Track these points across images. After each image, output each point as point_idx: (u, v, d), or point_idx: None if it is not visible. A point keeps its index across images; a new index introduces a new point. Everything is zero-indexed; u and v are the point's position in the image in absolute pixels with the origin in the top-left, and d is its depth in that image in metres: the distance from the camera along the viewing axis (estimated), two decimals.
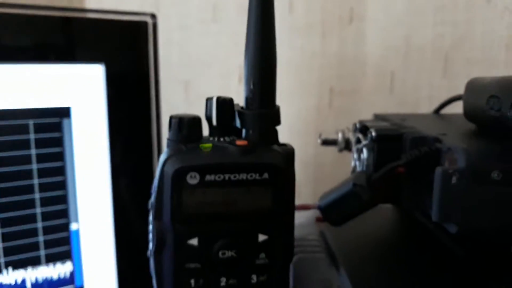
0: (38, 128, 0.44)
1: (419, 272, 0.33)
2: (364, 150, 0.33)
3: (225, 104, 0.27)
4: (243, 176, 0.25)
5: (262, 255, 0.27)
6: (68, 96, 0.44)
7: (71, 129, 0.45)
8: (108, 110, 0.46)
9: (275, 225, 0.27)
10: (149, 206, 0.26)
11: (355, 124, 0.37)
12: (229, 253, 0.26)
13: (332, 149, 0.71)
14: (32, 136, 0.44)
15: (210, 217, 0.26)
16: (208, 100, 0.27)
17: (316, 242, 0.36)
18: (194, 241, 0.26)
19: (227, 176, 0.25)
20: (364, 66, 0.68)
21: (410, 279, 0.33)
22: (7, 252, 0.44)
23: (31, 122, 0.43)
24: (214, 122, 0.27)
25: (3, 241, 0.43)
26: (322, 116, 0.68)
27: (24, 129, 0.43)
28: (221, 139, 0.27)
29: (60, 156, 0.45)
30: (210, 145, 0.26)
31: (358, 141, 0.36)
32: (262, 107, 0.27)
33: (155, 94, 0.50)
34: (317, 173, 0.70)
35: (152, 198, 0.26)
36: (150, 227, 0.26)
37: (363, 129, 0.35)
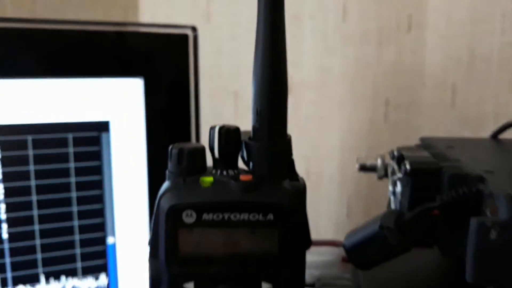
0: (77, 142, 0.44)
1: None
2: (398, 184, 0.29)
3: (229, 135, 0.24)
4: (245, 216, 0.23)
5: None
6: (107, 110, 0.44)
7: (109, 143, 0.45)
8: (146, 124, 0.45)
9: (281, 273, 0.24)
10: (148, 242, 0.24)
11: (392, 151, 0.33)
12: None
13: None
14: (71, 150, 0.44)
15: (208, 260, 0.24)
16: (211, 130, 0.25)
17: (346, 282, 0.33)
18: (190, 285, 0.24)
19: (226, 216, 0.23)
20: (423, 77, 0.62)
21: None
22: (45, 262, 0.44)
23: (70, 136, 0.44)
24: (217, 154, 0.24)
25: (42, 251, 0.44)
26: (377, 130, 0.64)
27: (63, 143, 0.44)
28: (225, 172, 0.24)
29: (98, 170, 0.45)
30: (210, 179, 0.23)
31: (394, 172, 0.32)
32: (270, 138, 0.24)
33: (195, 107, 0.49)
34: (370, 190, 0.66)
35: (150, 235, 0.24)
36: (148, 265, 0.24)
37: (400, 158, 0.31)
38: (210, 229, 0.23)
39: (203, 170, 0.25)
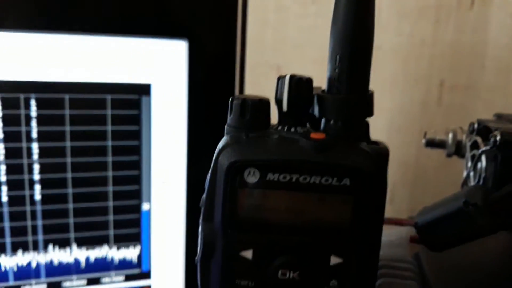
0: (116, 104, 0.42)
1: None
2: (483, 158, 0.26)
3: (300, 84, 0.21)
4: (316, 179, 0.20)
5: (334, 282, 0.21)
6: (149, 72, 0.42)
7: (150, 107, 0.43)
8: (188, 89, 0.43)
9: (354, 247, 0.20)
10: (200, 203, 0.22)
11: (472, 124, 0.29)
12: (291, 275, 0.20)
13: (438, 152, 0.63)
14: (109, 112, 0.42)
15: (270, 226, 0.20)
16: (280, 79, 0.21)
17: (408, 265, 0.29)
18: (248, 254, 0.21)
19: (294, 177, 0.20)
20: (483, 58, 0.58)
21: None
22: (77, 228, 0.43)
23: (109, 97, 0.42)
24: (285, 107, 0.21)
25: (74, 216, 0.43)
26: (429, 113, 0.60)
27: (102, 104, 0.42)
28: (293, 129, 0.21)
29: (136, 135, 0.43)
30: (277, 135, 0.20)
31: (475, 145, 0.28)
32: (349, 92, 0.20)
33: (240, 76, 0.46)
34: (418, 177, 0.62)
35: (204, 195, 0.21)
36: (200, 228, 0.22)
37: (484, 130, 0.27)
38: (274, 192, 0.20)
39: (268, 126, 0.21)
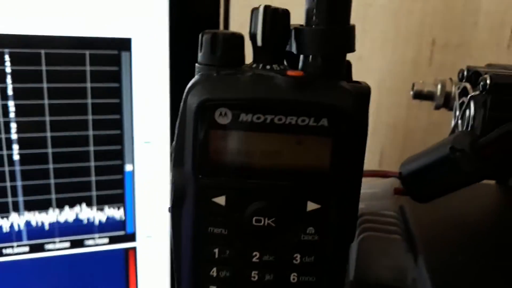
0: (95, 60, 0.40)
1: None
2: (472, 104, 0.25)
3: (276, 16, 0.19)
4: (292, 119, 0.18)
5: (311, 229, 0.20)
6: (129, 26, 0.40)
7: (130, 63, 0.41)
8: (170, 42, 0.41)
9: (333, 192, 0.19)
10: (170, 149, 0.20)
11: (462, 71, 0.28)
12: (265, 221, 0.19)
13: (427, 113, 0.61)
14: (87, 68, 0.40)
15: (244, 170, 0.19)
16: (254, 11, 0.20)
17: (391, 219, 0.28)
18: (221, 200, 0.19)
19: (269, 118, 0.18)
20: (476, 14, 0.56)
21: (508, 280, 0.24)
22: (58, 189, 0.42)
23: (87, 52, 0.40)
24: (259, 41, 0.19)
25: (55, 177, 0.41)
26: (420, 72, 0.58)
27: (80, 60, 0.40)
28: (268, 66, 0.20)
29: (117, 92, 0.41)
30: (251, 72, 0.19)
31: (464, 92, 0.27)
32: (329, 24, 0.19)
33: (224, 23, 0.44)
34: (406, 139, 0.61)
35: (174, 140, 0.20)
36: (170, 176, 0.20)
37: (474, 77, 0.26)
38: (247, 134, 0.19)
39: (241, 63, 0.20)
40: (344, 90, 0.19)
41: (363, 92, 0.20)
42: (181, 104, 0.19)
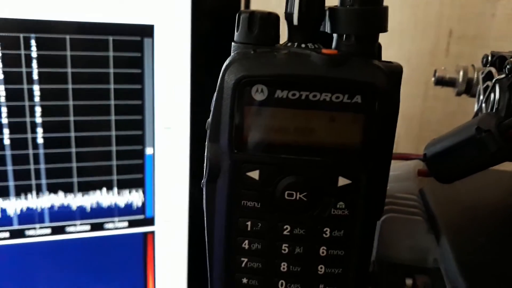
0: (118, 46, 0.41)
1: None
2: (497, 88, 0.25)
3: None
4: (326, 96, 0.19)
5: (341, 204, 0.20)
6: (152, 12, 0.40)
7: (153, 49, 0.42)
8: (192, 30, 0.42)
9: (364, 168, 0.20)
10: (206, 125, 0.21)
11: (486, 56, 0.28)
12: (297, 196, 0.20)
13: (443, 105, 0.61)
14: (111, 54, 0.41)
15: (278, 146, 0.20)
16: None
17: (413, 201, 0.29)
18: (254, 174, 0.20)
19: (304, 95, 0.19)
20: (493, 6, 0.56)
21: None
22: (79, 172, 0.43)
23: (110, 38, 0.41)
24: (296, 20, 0.20)
25: (77, 161, 0.42)
26: (436, 63, 0.58)
27: (103, 46, 0.41)
28: (303, 45, 0.20)
29: (139, 78, 0.42)
30: (286, 50, 0.19)
31: (489, 77, 0.27)
32: (363, 3, 0.19)
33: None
34: (422, 130, 0.61)
35: (210, 116, 0.21)
36: (206, 150, 0.21)
37: (498, 61, 0.26)
38: (282, 110, 0.19)
39: (277, 42, 0.21)
40: (378, 68, 0.19)
41: (395, 71, 0.20)
42: (219, 81, 0.20)
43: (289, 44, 0.21)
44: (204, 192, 0.21)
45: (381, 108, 0.19)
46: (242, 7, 0.44)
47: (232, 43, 0.21)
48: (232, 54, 0.20)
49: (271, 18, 0.20)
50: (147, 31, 0.42)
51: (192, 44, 0.42)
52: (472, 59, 0.57)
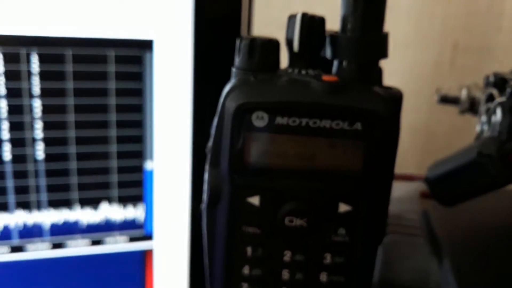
0: (118, 61, 0.41)
1: None
2: (498, 111, 0.25)
3: (313, 23, 0.20)
4: (326, 123, 0.19)
5: (342, 230, 0.20)
6: (152, 27, 0.40)
7: (152, 63, 0.41)
8: (194, 44, 0.41)
9: (364, 194, 0.20)
10: (206, 149, 0.21)
11: (487, 77, 0.28)
12: (298, 222, 0.20)
13: (448, 117, 0.61)
14: (112, 68, 0.41)
15: (278, 172, 0.20)
16: (291, 18, 0.20)
17: (416, 222, 0.29)
18: (255, 200, 0.20)
19: (304, 121, 0.19)
20: (499, 18, 0.56)
21: None
22: (80, 187, 0.43)
23: (112, 53, 0.41)
24: (296, 46, 0.20)
25: (78, 175, 0.42)
26: (441, 75, 0.58)
27: (104, 60, 0.41)
28: (304, 71, 0.20)
29: (139, 93, 0.42)
30: (287, 77, 0.19)
31: (490, 98, 0.27)
32: (364, 31, 0.19)
33: (247, 29, 0.45)
34: (428, 143, 0.61)
35: (210, 140, 0.20)
36: (206, 175, 0.21)
37: (500, 82, 0.26)
38: (282, 136, 0.19)
39: (277, 68, 0.20)
40: (378, 95, 0.19)
41: (395, 97, 0.20)
42: (219, 107, 0.20)
43: (290, 70, 0.21)
44: (204, 217, 0.21)
45: (381, 135, 0.19)
46: (246, 15, 0.44)
47: (233, 68, 0.21)
48: (232, 80, 0.20)
49: (272, 45, 0.20)
50: (147, 45, 0.42)
51: (194, 59, 0.42)
52: (477, 72, 0.57)
